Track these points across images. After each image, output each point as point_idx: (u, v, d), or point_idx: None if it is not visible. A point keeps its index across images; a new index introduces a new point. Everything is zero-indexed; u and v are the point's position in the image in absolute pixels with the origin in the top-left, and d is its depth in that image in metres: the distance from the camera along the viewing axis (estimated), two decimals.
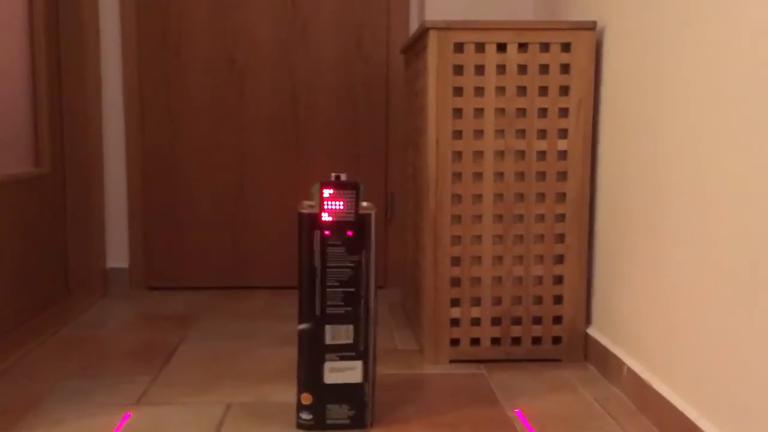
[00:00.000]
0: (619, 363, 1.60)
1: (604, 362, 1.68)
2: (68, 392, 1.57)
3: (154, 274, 2.54)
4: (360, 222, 1.35)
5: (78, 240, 2.42)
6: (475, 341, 1.79)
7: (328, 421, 1.38)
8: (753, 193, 1.13)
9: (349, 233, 1.35)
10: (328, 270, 1.35)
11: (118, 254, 2.51)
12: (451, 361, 1.78)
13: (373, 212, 1.35)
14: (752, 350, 1.13)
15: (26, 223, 2.11)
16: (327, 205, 1.33)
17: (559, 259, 1.77)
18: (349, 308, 1.36)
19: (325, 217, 1.34)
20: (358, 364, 1.37)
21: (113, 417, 1.44)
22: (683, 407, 1.32)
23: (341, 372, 1.37)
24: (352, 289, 1.36)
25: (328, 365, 1.37)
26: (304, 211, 1.35)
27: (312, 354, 1.37)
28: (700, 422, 1.26)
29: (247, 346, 1.92)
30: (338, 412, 1.38)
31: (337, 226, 1.34)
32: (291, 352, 1.86)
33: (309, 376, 1.37)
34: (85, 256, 2.43)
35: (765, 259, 1.10)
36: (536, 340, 1.80)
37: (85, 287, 2.44)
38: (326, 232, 1.34)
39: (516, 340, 1.80)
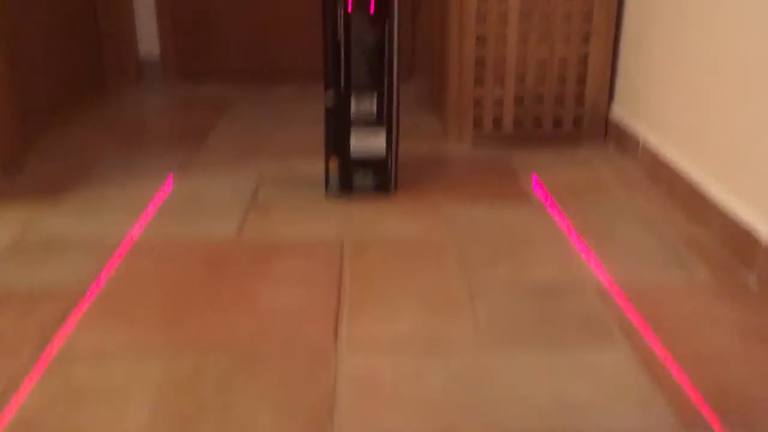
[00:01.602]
0: (636, 139, 1.65)
1: (623, 141, 1.73)
2: (115, 162, 1.69)
3: (185, 63, 2.57)
4: None
5: (109, 29, 2.44)
6: (498, 123, 1.84)
7: (355, 186, 1.48)
8: None
9: (372, 7, 1.36)
10: (352, 41, 1.38)
11: (148, 44, 2.54)
12: (474, 142, 1.84)
13: None
14: (759, 116, 1.16)
15: (56, 11, 2.13)
16: None
17: (585, 39, 1.76)
18: (373, 78, 1.40)
19: None
20: (382, 132, 1.44)
21: (157, 182, 1.56)
22: (692, 172, 1.38)
23: (366, 139, 1.44)
24: (376, 60, 1.39)
25: (354, 134, 1.44)
26: None
27: (338, 123, 1.44)
28: (707, 186, 1.32)
29: (278, 126, 2.00)
30: (363, 178, 1.47)
31: None
32: (320, 131, 1.93)
33: (336, 144, 1.45)
34: (117, 45, 2.46)
35: None
36: (558, 122, 1.84)
37: (120, 75, 2.50)
38: (349, 6, 1.35)
39: (537, 122, 1.84)
